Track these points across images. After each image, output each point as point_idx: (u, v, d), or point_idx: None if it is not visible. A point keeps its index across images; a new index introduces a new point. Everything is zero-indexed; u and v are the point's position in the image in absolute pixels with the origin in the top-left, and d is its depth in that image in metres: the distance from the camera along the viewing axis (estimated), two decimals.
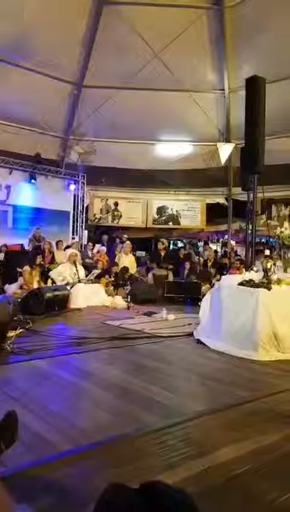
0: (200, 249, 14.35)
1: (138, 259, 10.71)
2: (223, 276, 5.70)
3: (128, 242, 10.54)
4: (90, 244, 11.54)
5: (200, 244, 15.54)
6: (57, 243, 10.19)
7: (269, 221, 10.65)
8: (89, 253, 10.72)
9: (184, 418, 2.56)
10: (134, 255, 10.69)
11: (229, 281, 4.99)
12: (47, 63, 10.29)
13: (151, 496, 0.88)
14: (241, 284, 4.58)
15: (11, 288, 7.68)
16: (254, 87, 5.85)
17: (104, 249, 10.62)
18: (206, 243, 13.80)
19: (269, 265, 4.60)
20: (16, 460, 1.93)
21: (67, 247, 10.26)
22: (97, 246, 11.21)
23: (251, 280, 4.59)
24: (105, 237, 12.01)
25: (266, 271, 4.59)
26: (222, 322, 4.55)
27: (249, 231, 6.57)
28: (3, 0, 8.81)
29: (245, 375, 3.63)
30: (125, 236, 11.54)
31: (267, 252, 5.66)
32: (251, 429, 2.43)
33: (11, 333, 4.47)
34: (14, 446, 1.81)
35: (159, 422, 2.49)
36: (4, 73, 10.01)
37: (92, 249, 10.97)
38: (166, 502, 0.87)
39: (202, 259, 9.83)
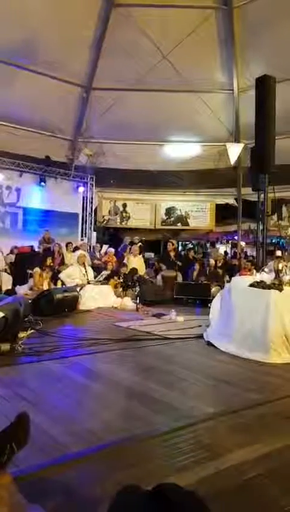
0: (209, 250, 14.30)
1: (146, 261, 10.70)
2: (233, 278, 5.66)
3: (139, 244, 10.55)
4: (98, 245, 11.59)
5: (208, 244, 15.49)
6: (66, 245, 10.25)
7: (279, 222, 10.57)
8: (97, 254, 10.75)
9: (194, 421, 2.54)
10: (143, 256, 10.68)
11: (240, 282, 4.94)
12: (56, 66, 10.38)
13: (164, 498, 0.88)
14: (252, 285, 4.54)
15: (22, 290, 7.74)
16: (264, 87, 5.82)
17: (112, 250, 10.64)
18: (212, 245, 13.73)
19: (280, 266, 4.56)
20: (27, 461, 1.93)
21: (76, 248, 10.30)
22: (105, 246, 11.24)
23: (262, 281, 4.55)
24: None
25: (277, 272, 4.55)
26: (233, 323, 4.51)
27: (260, 232, 6.52)
28: (12, 5, 8.91)
29: (256, 378, 3.59)
30: (137, 238, 11.54)
31: (278, 253, 5.61)
32: (263, 432, 2.40)
33: (22, 334, 4.49)
34: (26, 447, 1.81)
35: (170, 424, 2.48)
36: (13, 77, 10.12)
37: (100, 250, 11.01)
38: (179, 504, 0.87)
39: (212, 261, 9.77)
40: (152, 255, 12.59)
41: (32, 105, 10.66)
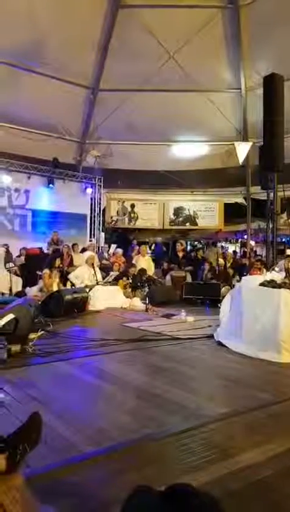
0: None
1: (155, 261, 10.68)
2: (243, 277, 5.61)
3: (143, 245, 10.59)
4: (106, 245, 11.61)
5: (219, 244, 15.39)
6: (72, 246, 10.25)
7: (289, 220, 10.47)
8: (105, 254, 10.76)
9: (206, 421, 2.52)
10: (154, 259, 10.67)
11: (250, 281, 4.91)
12: (63, 68, 10.42)
13: (177, 499, 0.87)
14: (262, 284, 4.50)
15: (32, 291, 7.78)
16: (272, 85, 5.78)
17: (119, 250, 10.65)
18: (214, 244, 13.51)
19: None
20: (39, 462, 1.93)
21: (83, 249, 10.33)
22: (113, 246, 11.24)
23: (272, 280, 4.51)
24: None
25: (288, 271, 4.50)
26: (243, 323, 4.48)
27: (270, 231, 6.47)
28: (19, 9, 8.97)
29: (267, 378, 3.56)
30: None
31: (289, 252, 5.55)
32: (275, 432, 2.38)
33: (32, 335, 4.52)
34: (38, 447, 1.82)
35: (181, 424, 2.46)
36: (20, 79, 10.19)
37: (108, 250, 11.02)
38: (192, 505, 0.86)
39: (221, 260, 9.71)
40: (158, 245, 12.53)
41: (39, 108, 10.71)
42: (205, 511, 0.88)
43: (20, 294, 7.54)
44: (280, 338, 4.05)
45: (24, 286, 8.25)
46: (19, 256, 9.95)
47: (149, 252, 10.68)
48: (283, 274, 4.58)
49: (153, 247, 11.07)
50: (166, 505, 0.86)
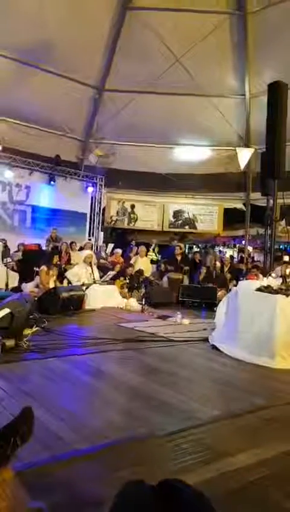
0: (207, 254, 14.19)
1: (155, 263, 10.67)
2: (240, 282, 5.63)
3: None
4: (104, 245, 11.60)
5: (217, 248, 15.42)
6: (71, 244, 10.26)
7: (288, 228, 10.51)
8: (103, 254, 10.76)
9: (198, 423, 2.53)
10: (158, 260, 10.66)
11: (247, 286, 4.92)
12: (69, 67, 10.45)
13: (168, 492, 0.87)
14: (259, 289, 4.52)
15: (28, 287, 7.76)
16: (276, 93, 5.80)
17: (119, 250, 10.65)
18: (212, 247, 13.51)
19: (288, 271, 4.53)
20: (30, 457, 1.93)
21: (81, 248, 10.33)
22: (110, 245, 11.24)
23: (269, 286, 4.52)
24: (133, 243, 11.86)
25: (284, 277, 4.52)
26: (238, 327, 4.49)
27: (268, 237, 6.49)
28: (28, 7, 8.99)
29: (261, 383, 3.57)
30: (154, 241, 11.52)
31: (286, 258, 5.58)
32: (267, 436, 2.39)
33: (27, 331, 4.51)
34: (29, 442, 1.81)
35: (173, 425, 2.47)
36: (26, 76, 10.19)
37: (106, 249, 11.01)
38: (183, 501, 0.86)
39: (218, 264, 9.72)
40: (159, 257, 12.58)
41: (44, 105, 10.72)
42: (195, 504, 0.89)
43: (16, 290, 7.52)
44: (274, 344, 4.07)
45: (20, 282, 8.23)
46: (16, 251, 9.93)
47: (152, 254, 10.67)
48: (280, 280, 4.60)
49: (156, 249, 11.03)
50: (157, 497, 0.87)
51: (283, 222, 10.97)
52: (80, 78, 10.96)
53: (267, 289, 4.46)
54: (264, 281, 4.76)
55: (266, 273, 5.49)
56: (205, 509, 0.91)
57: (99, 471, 1.91)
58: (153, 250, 10.89)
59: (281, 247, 12.43)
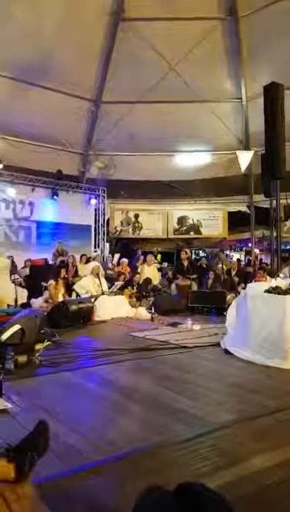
0: (216, 260, 14.13)
1: (160, 270, 10.69)
2: (248, 284, 5.61)
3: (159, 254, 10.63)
4: (110, 255, 11.65)
5: (224, 253, 15.35)
6: (81, 257, 10.37)
7: None
8: (110, 264, 10.80)
9: (213, 428, 2.51)
10: (161, 268, 10.67)
11: (256, 288, 4.90)
12: (65, 82, 10.60)
13: (189, 496, 0.88)
14: (267, 291, 4.50)
15: (37, 303, 7.81)
16: (272, 94, 5.83)
17: (125, 260, 10.69)
18: (221, 251, 13.39)
19: None
20: (47, 470, 1.93)
21: (88, 260, 10.39)
22: (116, 256, 11.28)
23: (277, 287, 4.50)
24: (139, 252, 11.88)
25: None
26: (249, 330, 4.47)
27: (274, 238, 6.48)
28: (22, 24, 9.18)
29: (274, 385, 3.54)
30: (156, 249, 11.56)
31: None
32: (282, 439, 2.36)
33: (38, 346, 4.53)
34: (46, 455, 1.82)
35: (188, 432, 2.46)
36: (24, 93, 10.37)
37: (112, 260, 11.05)
38: (203, 504, 0.86)
39: (225, 268, 9.70)
40: (165, 264, 12.62)
41: (43, 121, 10.88)
42: (216, 507, 0.89)
43: (26, 305, 7.56)
44: (286, 344, 4.03)
45: (29, 297, 8.27)
46: (23, 267, 10.00)
47: (156, 262, 10.68)
48: (288, 280, 4.58)
49: (158, 257, 11.06)
50: (178, 502, 0.87)
51: (288, 222, 10.94)
52: (77, 92, 11.13)
53: (275, 290, 4.44)
54: (273, 282, 4.74)
55: (273, 274, 5.47)
56: (225, 510, 0.91)
57: (117, 482, 1.91)
58: (156, 257, 10.90)
59: (288, 247, 12.39)
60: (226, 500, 0.91)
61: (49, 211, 11.94)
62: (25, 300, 8.04)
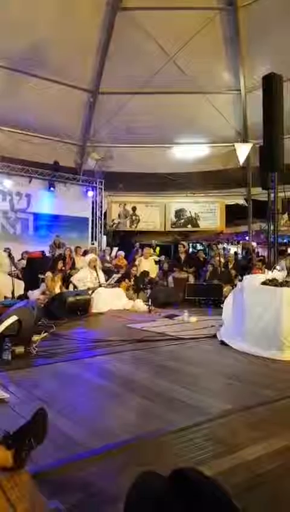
0: (212, 253, 14.13)
1: (158, 263, 10.68)
2: (245, 276, 5.63)
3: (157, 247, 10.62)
4: (108, 248, 11.62)
5: (220, 246, 15.35)
6: (75, 249, 10.32)
7: None
8: (108, 257, 10.78)
9: (210, 417, 2.53)
10: (159, 260, 10.65)
11: (252, 280, 4.92)
12: (62, 72, 10.50)
13: (183, 484, 0.88)
14: (264, 283, 4.52)
15: (34, 295, 7.80)
16: (271, 85, 5.81)
17: (122, 253, 10.67)
18: (219, 243, 13.36)
19: None
20: (44, 458, 1.95)
21: (85, 252, 10.36)
22: (115, 249, 11.26)
23: (274, 279, 4.52)
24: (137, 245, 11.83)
25: (289, 270, 4.51)
26: (246, 322, 4.49)
27: (271, 231, 6.49)
28: (19, 14, 9.06)
29: (270, 375, 3.57)
30: (154, 241, 11.54)
31: None
32: (278, 428, 2.38)
33: (36, 337, 4.53)
34: (44, 443, 1.83)
35: (185, 421, 2.47)
36: (21, 83, 10.27)
37: (110, 253, 11.03)
38: (198, 490, 0.87)
39: (222, 260, 9.72)
40: (163, 257, 12.61)
41: (40, 111, 10.79)
42: (210, 496, 0.89)
43: (22, 297, 7.55)
44: (282, 336, 4.06)
45: (26, 289, 8.25)
46: (20, 259, 9.98)
47: (154, 254, 10.67)
48: (285, 273, 4.60)
49: (157, 250, 11.04)
50: (171, 490, 0.88)
51: (285, 215, 10.95)
52: (74, 82, 11.02)
53: (272, 282, 4.46)
54: (269, 274, 4.76)
55: (270, 266, 5.48)
56: (220, 496, 0.92)
57: (114, 469, 1.92)
58: (154, 250, 10.89)
59: (285, 240, 12.40)
60: (221, 485, 0.92)
61: (46, 203, 11.88)
62: (22, 293, 8.03)
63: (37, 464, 1.90)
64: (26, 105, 10.55)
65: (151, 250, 10.32)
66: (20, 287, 8.20)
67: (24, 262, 9.88)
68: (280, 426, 2.41)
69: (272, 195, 6.69)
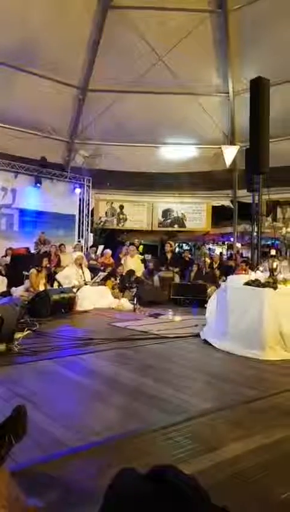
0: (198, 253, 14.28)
1: (144, 262, 10.69)
2: (229, 277, 5.69)
3: (141, 245, 10.59)
4: (93, 248, 11.58)
5: (206, 246, 15.50)
6: (60, 246, 10.24)
7: (274, 223, 10.63)
8: (93, 255, 10.74)
9: (191, 416, 2.56)
10: (143, 259, 10.66)
11: (235, 281, 4.98)
12: (52, 68, 10.39)
13: (160, 481, 0.89)
14: (247, 283, 4.58)
15: (18, 291, 7.71)
16: (258, 88, 5.87)
17: (108, 251, 10.64)
18: (203, 244, 13.53)
19: (274, 265, 4.60)
20: (24, 456, 1.94)
21: (75, 248, 10.29)
22: (100, 247, 11.23)
23: (256, 280, 4.58)
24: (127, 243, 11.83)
25: (271, 271, 4.58)
26: (229, 322, 4.54)
27: (255, 233, 6.57)
28: (9, 8, 8.94)
29: (252, 374, 3.62)
30: (137, 240, 11.54)
31: (273, 252, 5.65)
32: (258, 426, 2.42)
33: (18, 335, 4.49)
34: (23, 441, 1.82)
35: (166, 419, 2.50)
36: (10, 78, 10.13)
37: (96, 251, 11.00)
38: (177, 486, 0.88)
39: (207, 260, 9.80)
40: (149, 256, 12.64)
41: (28, 107, 10.66)
42: (187, 494, 0.91)
43: (6, 294, 7.47)
44: (264, 336, 4.12)
45: (9, 286, 8.17)
46: (4, 256, 9.87)
47: (138, 252, 10.67)
48: (267, 274, 4.66)
49: (140, 248, 11.05)
50: (148, 488, 0.89)
51: (269, 218, 11.10)
52: (63, 78, 10.92)
53: (255, 283, 4.51)
54: (252, 275, 4.82)
55: (253, 267, 5.56)
56: (197, 494, 0.93)
57: (94, 468, 1.93)
58: (137, 248, 10.90)
59: (268, 242, 12.57)
60: (199, 484, 0.93)
61: (32, 198, 11.75)
62: (5, 289, 7.95)
63: (16, 462, 1.89)
64: (15, 100, 10.41)
65: (136, 249, 10.32)
66: (3, 283, 8.13)
67: (8, 258, 9.77)
68: (260, 425, 2.45)
69: (257, 197, 6.79)
